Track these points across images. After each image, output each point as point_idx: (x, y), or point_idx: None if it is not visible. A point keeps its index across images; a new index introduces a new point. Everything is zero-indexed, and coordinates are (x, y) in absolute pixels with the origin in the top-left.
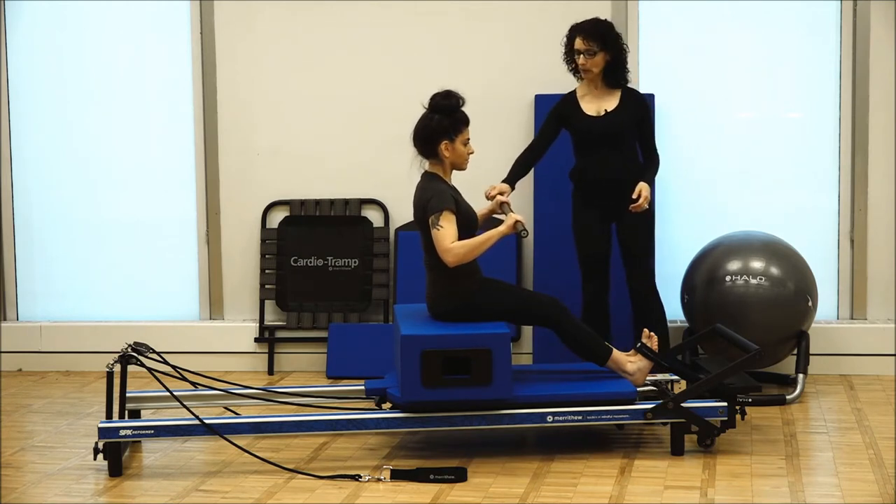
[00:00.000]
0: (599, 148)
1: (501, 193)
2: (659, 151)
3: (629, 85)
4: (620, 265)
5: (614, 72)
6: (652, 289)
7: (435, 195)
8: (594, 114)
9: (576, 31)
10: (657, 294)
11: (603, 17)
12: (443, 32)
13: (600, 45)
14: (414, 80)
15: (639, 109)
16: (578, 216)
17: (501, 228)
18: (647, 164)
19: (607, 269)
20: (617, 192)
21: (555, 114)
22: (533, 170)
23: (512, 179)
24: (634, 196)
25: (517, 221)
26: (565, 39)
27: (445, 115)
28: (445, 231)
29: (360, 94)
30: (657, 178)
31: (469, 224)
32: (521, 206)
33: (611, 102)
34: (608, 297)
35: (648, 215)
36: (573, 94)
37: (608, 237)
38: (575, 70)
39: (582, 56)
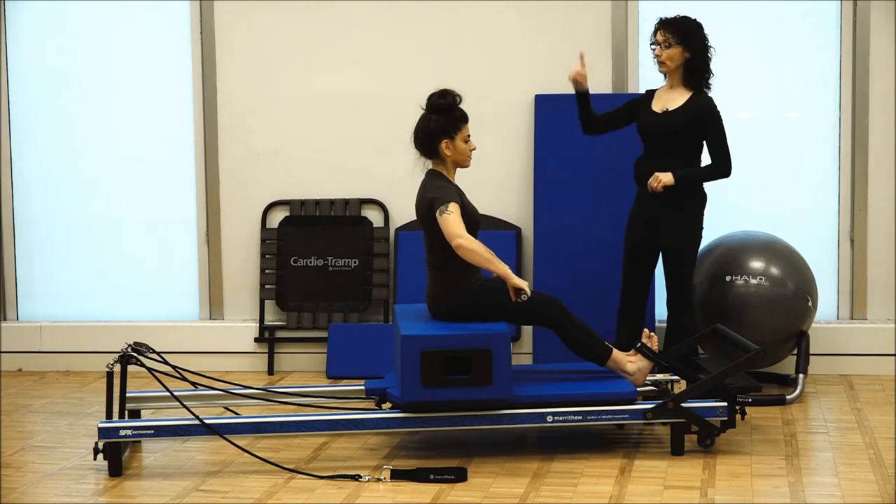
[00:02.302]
0: (656, 146)
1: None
2: (728, 159)
3: (709, 92)
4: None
5: (694, 70)
6: (686, 307)
7: (440, 191)
8: (658, 110)
9: (658, 23)
10: (692, 313)
11: (692, 17)
12: (443, 32)
13: (678, 39)
14: (414, 80)
15: (701, 113)
16: (631, 221)
17: (510, 274)
18: (704, 167)
19: (644, 282)
20: (663, 198)
21: (631, 102)
22: (533, 170)
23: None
24: (650, 179)
25: (521, 289)
26: (652, 33)
27: (443, 114)
28: (454, 216)
29: (360, 94)
30: None
31: (473, 223)
32: (522, 205)
33: (677, 101)
34: (644, 305)
35: (692, 229)
36: (655, 89)
37: (653, 250)
38: (657, 63)
39: (658, 47)
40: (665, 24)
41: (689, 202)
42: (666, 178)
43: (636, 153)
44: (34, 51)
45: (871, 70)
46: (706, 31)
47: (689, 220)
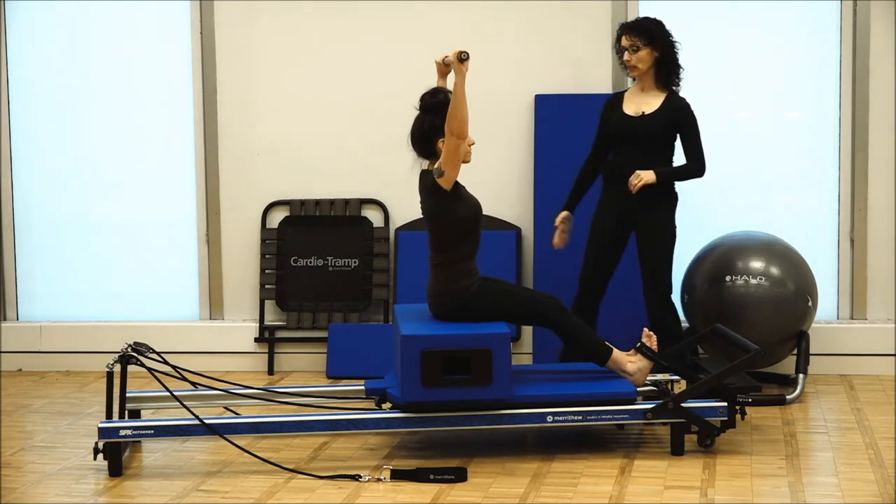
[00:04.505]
0: (631, 149)
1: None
2: (702, 159)
3: (679, 88)
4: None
5: (665, 70)
6: (667, 306)
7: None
8: (632, 113)
9: (621, 28)
10: (672, 312)
11: (653, 17)
12: (443, 32)
13: (646, 41)
14: (414, 80)
15: (677, 115)
16: (597, 214)
17: (455, 74)
18: (681, 166)
19: (606, 275)
20: (638, 198)
21: (601, 119)
22: (533, 170)
23: (570, 206)
24: (631, 178)
25: (458, 52)
26: (615, 40)
27: (436, 112)
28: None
29: (360, 94)
30: None
31: (475, 213)
32: (522, 205)
33: (652, 105)
34: (598, 302)
35: (669, 228)
36: (620, 92)
37: (620, 244)
38: (625, 69)
39: (627, 52)
40: (629, 29)
41: (665, 202)
42: (648, 175)
43: None
44: (34, 51)
45: (871, 70)
46: (669, 28)
47: (664, 221)
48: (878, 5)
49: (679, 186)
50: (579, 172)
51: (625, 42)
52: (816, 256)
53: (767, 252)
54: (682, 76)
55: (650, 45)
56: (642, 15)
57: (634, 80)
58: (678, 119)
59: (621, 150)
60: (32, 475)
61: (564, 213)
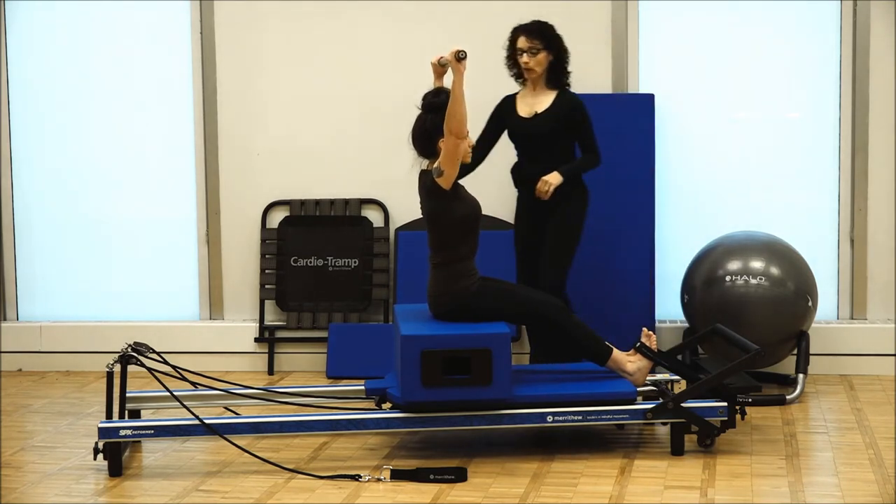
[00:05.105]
0: (531, 149)
1: None
2: (598, 151)
3: (570, 87)
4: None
5: (556, 72)
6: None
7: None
8: (525, 115)
9: (518, 30)
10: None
11: (545, 20)
12: (443, 32)
13: (543, 44)
14: (414, 80)
15: (569, 112)
16: (517, 215)
17: (454, 73)
18: (580, 159)
19: (538, 269)
20: (551, 202)
21: (492, 116)
22: None
23: None
24: (538, 185)
25: (455, 51)
26: (507, 42)
27: (438, 112)
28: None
29: (360, 94)
30: (657, 180)
31: (475, 213)
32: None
33: (543, 104)
34: None
35: (577, 225)
36: (513, 95)
37: (539, 237)
38: (518, 73)
39: (525, 55)
40: (528, 32)
41: (575, 196)
42: (554, 179)
43: (635, 153)
44: (34, 51)
45: (871, 70)
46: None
47: (574, 218)
48: (878, 5)
49: (679, 187)
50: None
51: (523, 44)
52: (816, 256)
53: (767, 252)
54: (568, 79)
55: (547, 49)
56: (643, 14)
57: (525, 82)
58: (572, 115)
59: (523, 152)
60: (32, 475)
61: None
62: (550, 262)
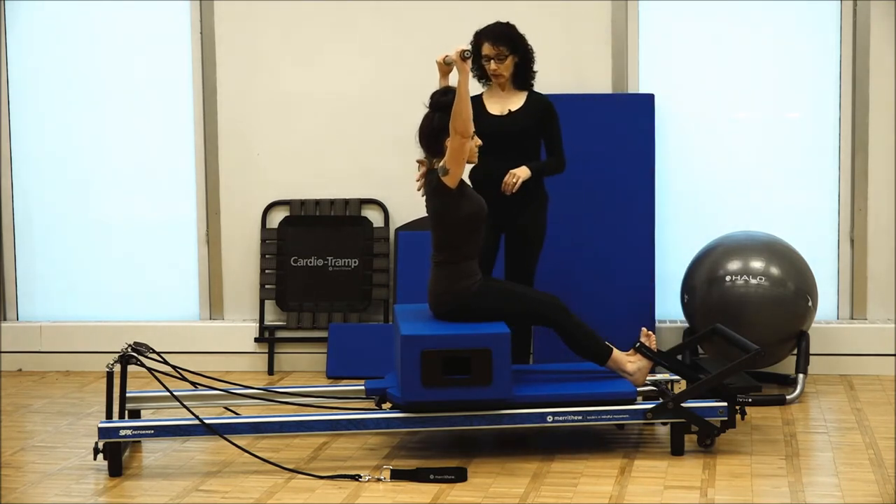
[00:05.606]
0: (501, 147)
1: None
2: (563, 156)
3: (535, 87)
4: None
5: (523, 74)
6: None
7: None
8: (499, 113)
9: (481, 36)
10: None
11: (505, 21)
12: (442, 32)
13: (510, 49)
14: (414, 81)
15: (543, 111)
16: None
17: (459, 73)
18: (546, 161)
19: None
20: (512, 199)
21: None
22: None
23: None
24: (506, 177)
25: (460, 51)
26: (470, 47)
27: (446, 110)
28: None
29: (360, 94)
30: (657, 180)
31: (480, 211)
32: None
33: (516, 103)
34: None
35: (539, 231)
36: (478, 95)
37: (496, 245)
38: (484, 77)
39: (493, 62)
40: (494, 38)
41: (536, 202)
42: (523, 172)
43: (635, 153)
44: (34, 51)
45: (871, 70)
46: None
47: (536, 224)
48: (878, 5)
49: (679, 187)
50: None
51: (489, 51)
52: (816, 256)
53: (767, 252)
54: (534, 79)
55: (513, 53)
56: (643, 14)
57: (489, 83)
58: (543, 115)
59: (492, 150)
60: (32, 475)
61: None
62: (522, 273)
